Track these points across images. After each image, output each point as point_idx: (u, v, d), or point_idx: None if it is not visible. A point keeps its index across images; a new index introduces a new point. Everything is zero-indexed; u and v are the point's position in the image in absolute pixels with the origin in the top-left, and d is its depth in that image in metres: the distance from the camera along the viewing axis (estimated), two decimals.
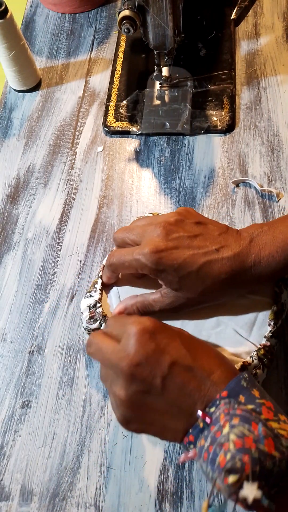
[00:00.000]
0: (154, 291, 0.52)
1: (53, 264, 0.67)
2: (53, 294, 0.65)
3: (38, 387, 0.59)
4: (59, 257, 0.68)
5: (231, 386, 0.40)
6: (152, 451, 0.54)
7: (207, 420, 0.39)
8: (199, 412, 0.39)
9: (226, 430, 0.37)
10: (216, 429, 0.37)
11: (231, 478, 0.34)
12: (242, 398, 0.39)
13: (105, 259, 0.58)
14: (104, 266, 0.58)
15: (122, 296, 0.56)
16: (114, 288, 0.57)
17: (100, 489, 0.53)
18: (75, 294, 0.65)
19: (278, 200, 0.68)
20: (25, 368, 0.60)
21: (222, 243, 0.48)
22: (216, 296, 0.50)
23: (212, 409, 0.39)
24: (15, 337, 0.62)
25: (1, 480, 0.54)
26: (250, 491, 0.34)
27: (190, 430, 0.40)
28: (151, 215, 0.63)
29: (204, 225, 0.50)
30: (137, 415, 0.42)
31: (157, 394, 0.41)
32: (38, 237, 0.70)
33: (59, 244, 0.69)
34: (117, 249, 0.54)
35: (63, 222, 0.71)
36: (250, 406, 0.38)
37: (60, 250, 0.68)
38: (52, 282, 0.66)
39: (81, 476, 0.53)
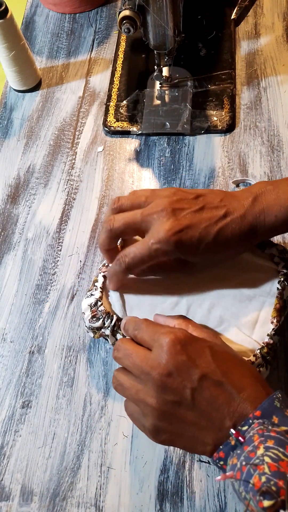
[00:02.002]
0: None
1: (53, 264, 0.67)
2: (53, 294, 0.65)
3: (38, 387, 0.59)
4: (59, 257, 0.68)
5: (264, 406, 0.39)
6: (152, 451, 0.54)
7: (241, 439, 0.39)
8: (232, 430, 0.39)
9: (260, 451, 0.37)
10: (250, 449, 0.37)
11: (266, 503, 0.34)
12: (275, 419, 0.39)
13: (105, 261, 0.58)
14: (104, 265, 0.58)
15: (124, 293, 0.56)
16: None
17: (100, 489, 0.53)
18: (76, 294, 0.65)
19: None
20: (25, 368, 0.60)
21: (227, 207, 0.50)
22: (226, 257, 0.53)
23: (245, 428, 0.39)
24: (15, 337, 0.62)
25: (1, 480, 0.54)
26: None
27: (221, 447, 0.40)
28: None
29: (203, 196, 0.51)
30: (168, 425, 0.42)
31: (187, 406, 0.41)
32: (38, 237, 0.70)
33: (59, 244, 0.69)
34: (125, 249, 0.52)
35: (63, 222, 0.71)
36: (283, 428, 0.38)
37: (60, 250, 0.68)
38: (52, 282, 0.66)
39: (82, 476, 0.53)
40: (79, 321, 0.63)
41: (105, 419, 0.56)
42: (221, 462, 0.40)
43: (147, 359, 0.43)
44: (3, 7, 0.73)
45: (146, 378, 0.43)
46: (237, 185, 0.70)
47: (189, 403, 0.41)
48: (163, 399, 0.42)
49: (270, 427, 0.38)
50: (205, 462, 0.53)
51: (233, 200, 0.51)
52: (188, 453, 0.53)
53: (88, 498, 0.52)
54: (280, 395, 0.40)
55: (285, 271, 0.54)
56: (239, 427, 0.39)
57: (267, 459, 0.36)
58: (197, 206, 0.50)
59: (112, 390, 0.57)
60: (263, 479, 0.35)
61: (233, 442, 0.39)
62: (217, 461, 0.40)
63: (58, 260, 0.68)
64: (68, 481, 0.53)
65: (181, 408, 0.41)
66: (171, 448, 0.54)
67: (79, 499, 0.52)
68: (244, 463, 0.37)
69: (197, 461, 0.53)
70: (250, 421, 0.39)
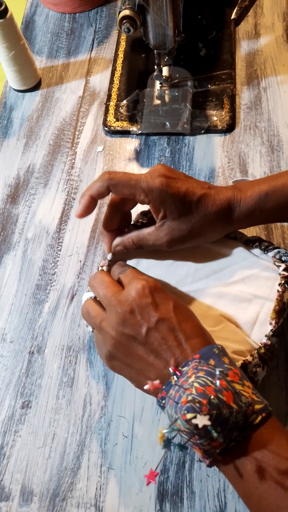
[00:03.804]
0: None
1: (53, 264, 0.67)
2: (53, 294, 0.65)
3: (38, 387, 0.59)
4: (59, 257, 0.68)
5: (204, 351, 0.44)
6: (152, 451, 0.54)
7: (178, 373, 0.44)
8: (171, 368, 0.44)
9: (191, 379, 0.41)
10: (184, 379, 0.42)
11: (189, 415, 0.39)
12: (212, 362, 0.44)
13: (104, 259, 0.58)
14: (104, 259, 0.58)
15: None
16: None
17: (100, 489, 0.53)
18: (75, 294, 0.65)
19: None
20: (25, 368, 0.60)
21: (211, 185, 0.56)
22: (203, 232, 0.55)
23: (184, 368, 0.44)
24: (15, 337, 0.62)
25: (1, 480, 0.54)
26: (201, 420, 0.38)
27: (163, 387, 0.44)
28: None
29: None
30: (120, 354, 0.47)
31: (140, 341, 0.46)
32: (38, 237, 0.70)
33: (59, 244, 0.69)
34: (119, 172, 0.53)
35: (63, 222, 0.71)
36: (218, 369, 0.42)
37: (60, 250, 0.68)
38: (52, 282, 0.66)
39: (82, 476, 0.53)
40: (79, 321, 0.62)
41: (105, 420, 0.56)
42: (163, 402, 0.44)
43: (117, 294, 0.48)
44: (3, 7, 0.73)
45: (111, 310, 0.47)
46: None
47: (143, 339, 0.46)
48: (121, 331, 0.46)
49: (204, 365, 0.43)
50: None
51: (215, 185, 0.57)
52: (188, 453, 0.53)
53: (88, 498, 0.52)
54: (220, 346, 0.45)
55: (286, 273, 0.54)
56: (180, 368, 0.44)
57: (196, 384, 0.41)
58: (186, 175, 0.55)
59: (112, 390, 0.57)
60: (189, 398, 0.40)
61: (173, 381, 0.43)
62: (160, 400, 0.45)
63: (58, 260, 0.67)
64: (68, 481, 0.53)
65: (134, 342, 0.46)
66: (171, 448, 0.54)
67: (79, 499, 0.52)
68: (176, 390, 0.42)
69: (197, 461, 0.53)
70: (190, 362, 0.44)
